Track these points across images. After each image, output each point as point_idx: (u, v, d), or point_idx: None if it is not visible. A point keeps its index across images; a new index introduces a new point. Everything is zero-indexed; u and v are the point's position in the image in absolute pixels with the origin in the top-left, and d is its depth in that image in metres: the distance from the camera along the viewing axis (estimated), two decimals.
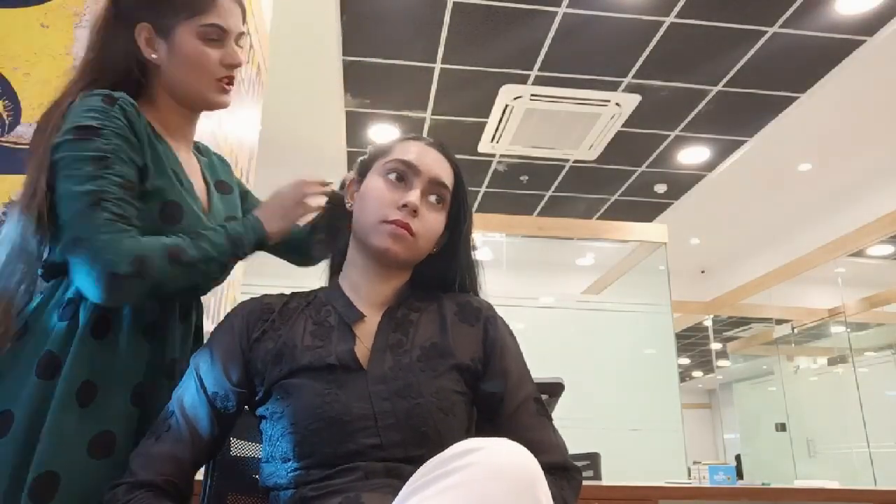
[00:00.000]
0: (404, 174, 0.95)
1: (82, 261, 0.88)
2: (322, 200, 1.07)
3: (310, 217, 1.09)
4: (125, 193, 0.91)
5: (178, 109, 1.07)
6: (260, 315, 0.94)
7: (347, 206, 1.01)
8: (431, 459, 0.64)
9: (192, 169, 1.09)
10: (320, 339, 0.91)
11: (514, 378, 0.93)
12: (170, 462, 0.86)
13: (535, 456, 0.65)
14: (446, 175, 0.98)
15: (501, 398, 0.91)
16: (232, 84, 1.08)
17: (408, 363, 0.88)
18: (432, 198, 0.96)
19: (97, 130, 0.92)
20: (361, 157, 1.03)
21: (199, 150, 1.17)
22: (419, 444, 0.83)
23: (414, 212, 0.92)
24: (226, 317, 0.96)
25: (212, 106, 1.09)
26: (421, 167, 0.95)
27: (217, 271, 1.00)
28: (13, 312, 0.94)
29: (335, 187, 1.09)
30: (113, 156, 0.92)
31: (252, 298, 0.98)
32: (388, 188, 0.94)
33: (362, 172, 1.00)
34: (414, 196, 0.93)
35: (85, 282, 0.89)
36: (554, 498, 0.79)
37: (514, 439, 0.66)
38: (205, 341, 0.98)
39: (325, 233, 1.11)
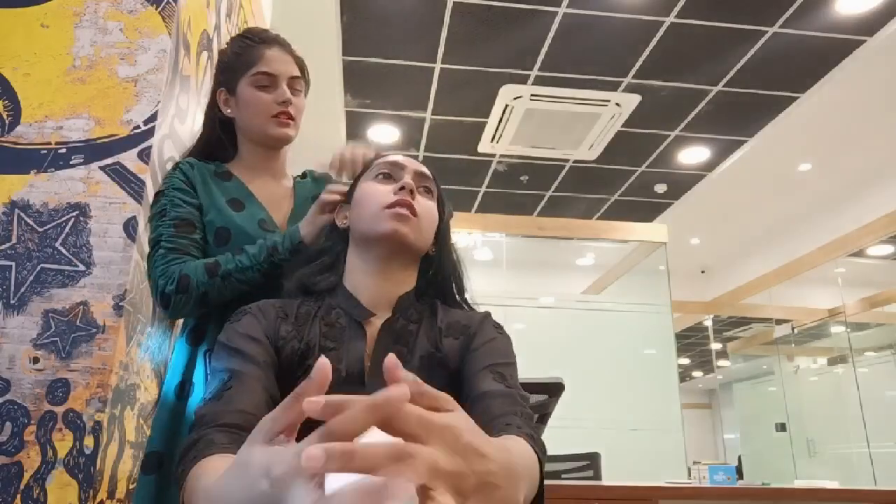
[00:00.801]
0: (392, 172, 1.01)
1: (150, 289, 1.16)
2: (337, 197, 1.12)
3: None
4: (178, 231, 1.16)
5: (255, 150, 1.32)
6: (276, 313, 0.93)
7: (341, 226, 1.04)
8: None
9: (275, 195, 1.31)
10: (332, 340, 0.91)
11: (482, 348, 0.91)
12: (237, 414, 0.78)
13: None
14: (428, 172, 1.04)
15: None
16: (290, 118, 1.28)
17: None
18: (421, 188, 1.01)
19: (162, 192, 1.21)
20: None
21: (306, 176, 1.41)
22: None
23: (411, 192, 0.96)
24: (236, 314, 0.93)
25: (274, 139, 1.30)
26: (406, 164, 1.02)
27: (255, 277, 1.13)
28: None
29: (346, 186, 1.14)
30: (169, 205, 1.18)
31: (261, 301, 0.95)
32: (381, 184, 1.00)
33: (348, 196, 1.06)
34: (408, 179, 0.98)
35: (156, 303, 1.14)
36: (520, 428, 0.77)
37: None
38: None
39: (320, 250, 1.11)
